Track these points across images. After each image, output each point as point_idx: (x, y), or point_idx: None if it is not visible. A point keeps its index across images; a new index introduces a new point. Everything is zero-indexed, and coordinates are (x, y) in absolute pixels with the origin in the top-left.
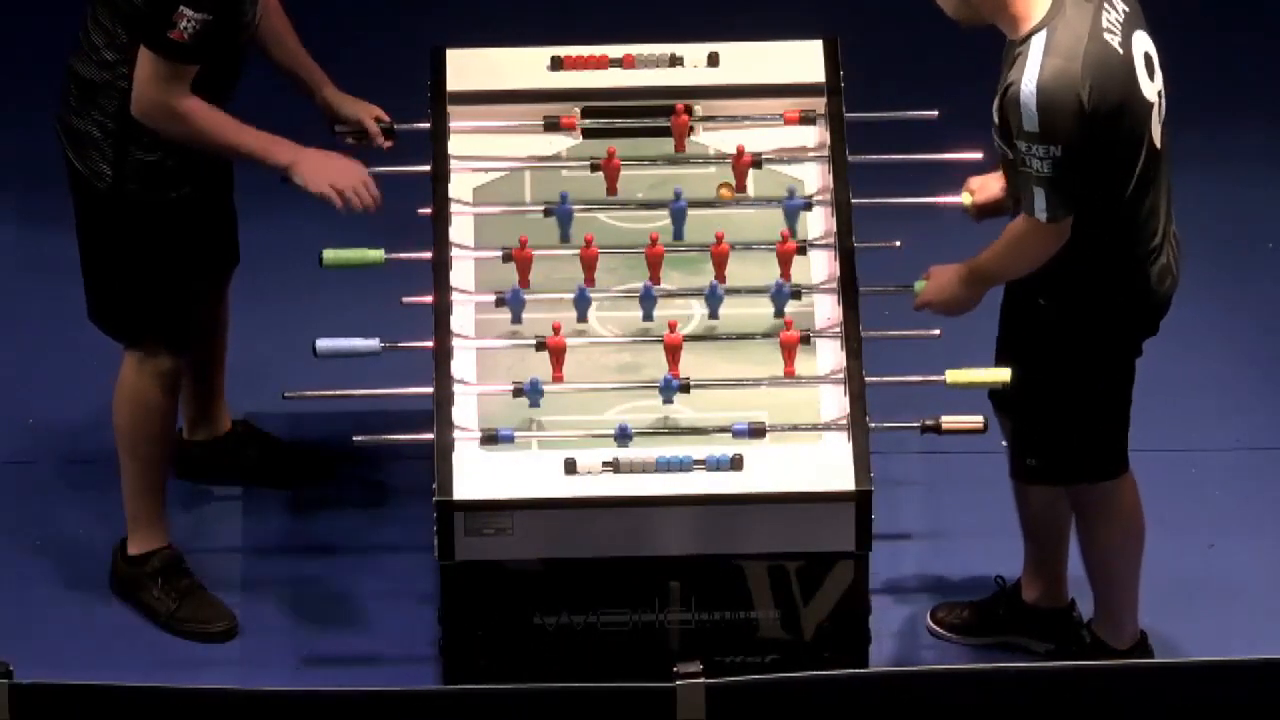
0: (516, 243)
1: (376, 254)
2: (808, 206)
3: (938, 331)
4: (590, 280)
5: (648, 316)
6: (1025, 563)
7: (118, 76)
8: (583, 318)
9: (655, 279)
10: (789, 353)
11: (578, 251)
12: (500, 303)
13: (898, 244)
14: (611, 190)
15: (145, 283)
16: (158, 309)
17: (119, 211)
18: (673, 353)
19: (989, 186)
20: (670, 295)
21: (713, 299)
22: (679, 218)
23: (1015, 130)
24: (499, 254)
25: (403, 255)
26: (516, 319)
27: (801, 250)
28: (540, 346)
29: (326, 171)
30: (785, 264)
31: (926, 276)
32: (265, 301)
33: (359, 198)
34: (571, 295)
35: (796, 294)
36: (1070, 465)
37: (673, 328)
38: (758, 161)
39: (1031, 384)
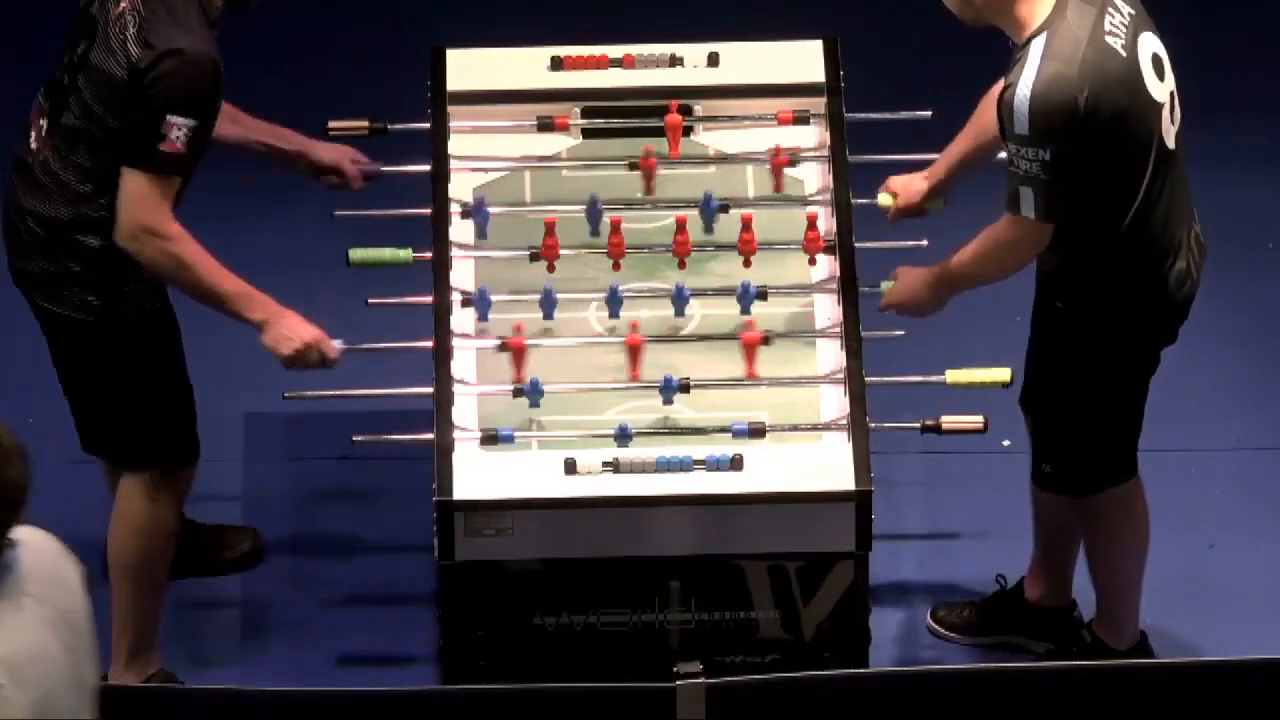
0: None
1: (405, 254)
2: (724, 209)
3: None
4: (617, 267)
5: (614, 314)
6: (1032, 561)
7: (96, 207)
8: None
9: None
10: (749, 353)
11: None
12: (467, 303)
13: (924, 244)
14: (649, 190)
15: (151, 400)
16: (170, 423)
17: (111, 337)
18: (634, 353)
19: (911, 187)
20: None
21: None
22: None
23: (1007, 133)
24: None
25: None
26: (483, 317)
27: (830, 249)
28: (503, 348)
29: (290, 341)
30: (811, 259)
31: (894, 276)
32: None
33: (307, 361)
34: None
35: (763, 295)
36: (1083, 474)
37: (635, 328)
38: (794, 160)
39: (1049, 387)
